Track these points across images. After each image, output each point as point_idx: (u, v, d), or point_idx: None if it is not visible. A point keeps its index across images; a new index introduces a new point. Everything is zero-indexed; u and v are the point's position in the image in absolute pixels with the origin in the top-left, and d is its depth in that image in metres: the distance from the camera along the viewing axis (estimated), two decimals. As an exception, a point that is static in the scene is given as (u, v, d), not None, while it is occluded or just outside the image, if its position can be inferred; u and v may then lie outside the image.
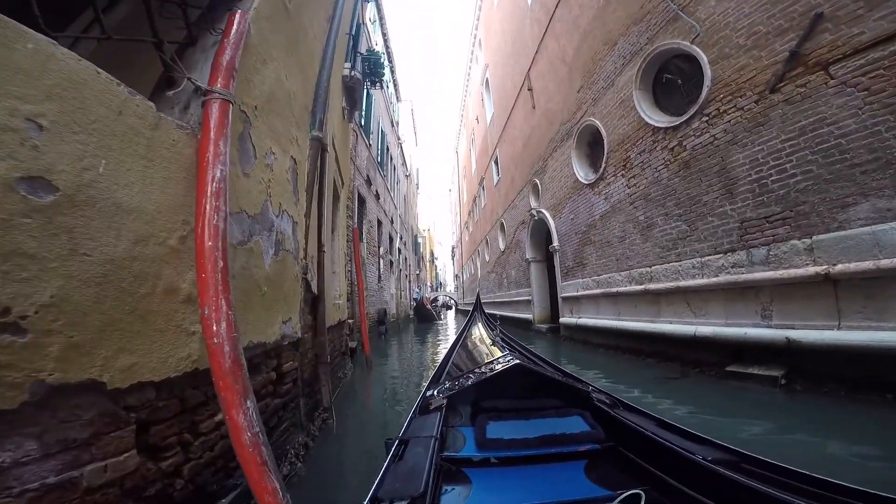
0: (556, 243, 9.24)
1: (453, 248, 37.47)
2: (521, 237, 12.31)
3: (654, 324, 5.42)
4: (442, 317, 22.73)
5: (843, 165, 3.23)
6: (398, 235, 18.92)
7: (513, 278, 13.85)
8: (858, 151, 3.15)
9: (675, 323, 5.00)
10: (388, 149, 16.14)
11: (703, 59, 4.57)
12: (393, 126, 17.83)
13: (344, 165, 5.90)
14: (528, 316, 11.30)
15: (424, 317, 18.39)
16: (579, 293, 7.87)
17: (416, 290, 23.66)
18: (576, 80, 7.89)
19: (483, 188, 19.69)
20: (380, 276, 13.35)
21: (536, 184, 10.68)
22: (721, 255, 4.33)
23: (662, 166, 5.31)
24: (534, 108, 10.59)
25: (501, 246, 15.65)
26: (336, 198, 5.80)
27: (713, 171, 4.42)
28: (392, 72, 16.99)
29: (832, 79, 3.33)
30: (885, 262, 2.89)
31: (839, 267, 3.18)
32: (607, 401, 1.86)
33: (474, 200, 22.82)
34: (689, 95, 4.95)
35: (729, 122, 4.24)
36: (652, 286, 5.49)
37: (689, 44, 4.79)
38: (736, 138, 4.14)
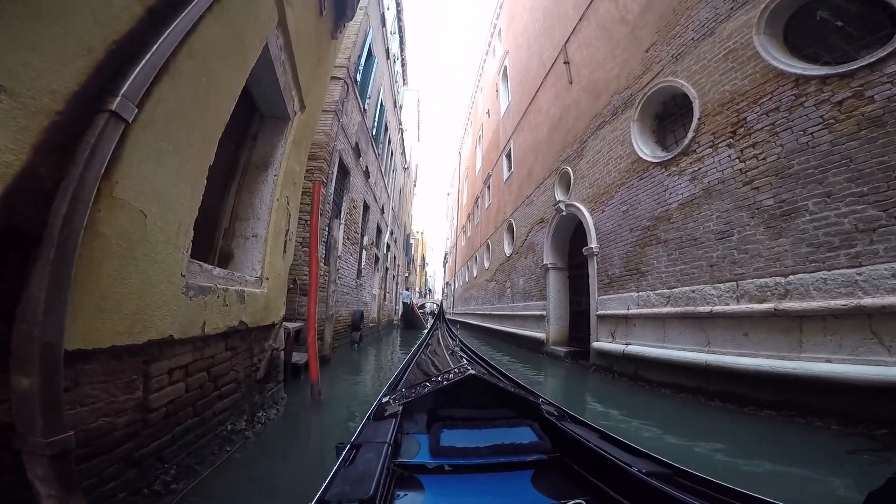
0: (593, 244, 7.52)
1: (446, 254, 35.95)
2: (537, 239, 10.72)
3: (790, 361, 3.62)
4: (428, 324, 21.44)
5: None
6: (388, 229, 17.00)
7: (520, 288, 12.16)
8: None
9: (842, 361, 3.24)
10: (386, 127, 14.31)
11: None
12: (396, 108, 16.12)
13: (307, 78, 4.05)
14: (539, 335, 9.58)
15: (412, 323, 16.92)
16: (631, 311, 6.11)
17: (406, 292, 21.88)
18: (643, 39, 6.51)
19: (488, 187, 18.38)
20: (360, 271, 11.38)
21: (567, 172, 9.10)
22: None
23: (820, 127, 3.75)
24: (570, 82, 9.16)
25: (507, 250, 14.09)
26: (280, 117, 3.92)
27: None
28: (402, 48, 15.36)
29: None
30: None
31: None
32: (555, 413, 2.01)
33: (476, 202, 21.44)
34: (863, 39, 3.72)
35: None
36: (789, 305, 3.72)
37: None
38: None
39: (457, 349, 3.59)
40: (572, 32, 9.32)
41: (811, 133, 3.81)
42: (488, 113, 18.97)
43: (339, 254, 8.68)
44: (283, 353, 4.14)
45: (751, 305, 4.11)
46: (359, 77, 9.37)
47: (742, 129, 4.52)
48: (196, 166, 2.15)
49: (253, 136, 3.94)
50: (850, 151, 3.48)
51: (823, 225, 3.59)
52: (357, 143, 9.61)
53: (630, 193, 6.51)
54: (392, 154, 16.85)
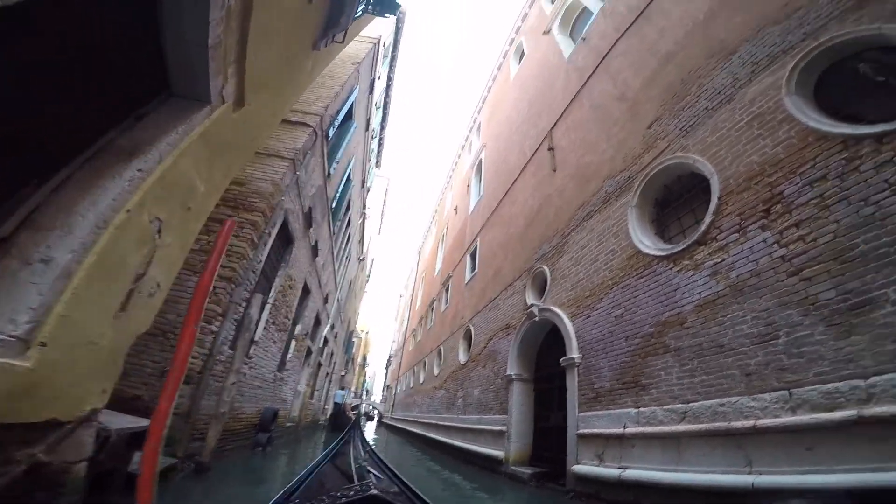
0: (574, 354, 6.49)
1: (390, 357, 33.31)
2: (500, 346, 9.62)
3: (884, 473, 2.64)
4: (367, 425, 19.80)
5: None
6: (329, 322, 15.07)
7: (474, 399, 10.63)
8: None
9: None
10: (349, 205, 13.47)
11: None
12: (363, 188, 15.59)
13: (261, 67, 2.99)
14: (497, 452, 8.10)
15: (341, 425, 14.74)
16: (628, 430, 4.97)
17: (340, 392, 19.59)
18: (645, 114, 6.38)
19: (447, 290, 17.58)
20: (283, 363, 9.31)
21: (543, 272, 8.38)
22: None
23: (888, 193, 3.15)
24: (554, 170, 8.92)
25: (462, 358, 12.75)
26: (191, 97, 2.74)
27: None
28: (382, 126, 15.50)
29: None
30: None
31: None
32: None
33: (431, 305, 20.31)
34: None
35: None
36: (879, 410, 2.85)
37: None
38: None
39: (364, 463, 3.61)
40: (560, 117, 9.46)
41: (877, 202, 3.18)
42: (456, 210, 19.09)
43: (254, 338, 6.88)
44: (86, 464, 2.30)
45: (816, 415, 3.25)
46: (331, 134, 8.63)
47: (779, 207, 3.88)
48: None
49: (139, 116, 2.63)
50: None
51: None
52: (311, 210, 8.45)
53: (626, 294, 5.71)
54: (349, 239, 15.81)
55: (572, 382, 6.33)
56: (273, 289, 7.69)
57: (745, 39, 4.94)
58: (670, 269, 4.98)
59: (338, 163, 9.81)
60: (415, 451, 11.97)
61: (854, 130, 3.45)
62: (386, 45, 11.94)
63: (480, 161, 16.83)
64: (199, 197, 3.07)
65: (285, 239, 7.77)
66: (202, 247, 5.10)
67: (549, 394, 7.70)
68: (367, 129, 12.53)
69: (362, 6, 5.52)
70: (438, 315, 18.28)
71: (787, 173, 3.87)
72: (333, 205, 10.78)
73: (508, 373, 8.53)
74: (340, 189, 11.32)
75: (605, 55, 8.16)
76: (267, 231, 6.39)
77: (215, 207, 5.78)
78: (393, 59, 13.55)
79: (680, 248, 4.89)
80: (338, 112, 8.74)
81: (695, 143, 5.14)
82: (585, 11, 10.76)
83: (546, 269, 8.18)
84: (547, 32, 12.23)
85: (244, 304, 6.07)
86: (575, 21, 11.56)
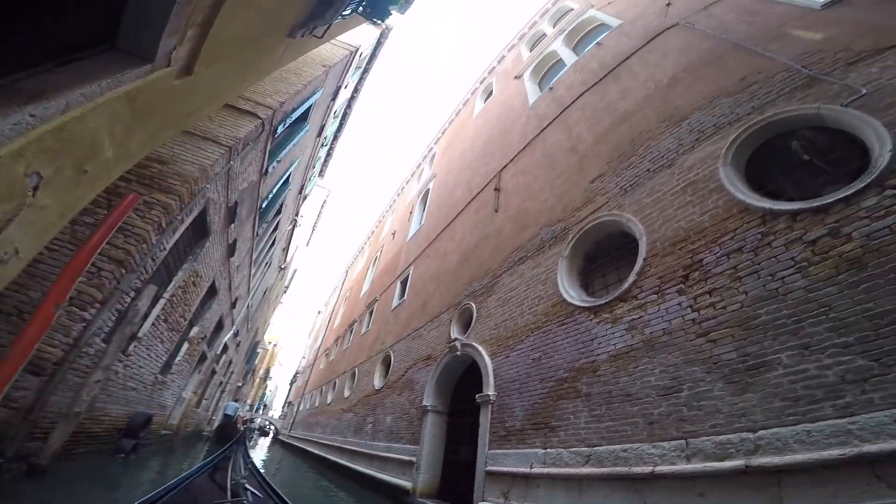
0: (490, 391, 6.50)
1: (297, 373, 31.10)
2: (419, 377, 9.39)
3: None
4: (250, 442, 17.59)
5: None
6: (233, 328, 13.79)
7: (386, 426, 10.24)
8: None
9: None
10: (280, 209, 12.73)
11: (874, 123, 3.67)
12: (300, 194, 14.87)
13: (223, 39, 2.69)
14: (404, 483, 7.84)
15: (226, 438, 13.45)
16: (534, 470, 5.04)
17: (233, 403, 18.06)
18: (591, 169, 6.76)
19: (371, 313, 16.98)
20: (169, 366, 8.26)
21: (470, 308, 8.42)
22: None
23: (792, 271, 3.59)
24: (496, 210, 9.11)
25: (377, 383, 12.27)
26: (137, 53, 2.47)
27: None
28: (335, 136, 15.10)
29: None
30: None
31: None
32: None
33: (351, 326, 19.47)
34: (829, 174, 3.99)
35: None
36: (764, 460, 3.19)
37: (835, 107, 4.01)
38: None
39: (243, 479, 3.50)
40: (512, 160, 9.77)
41: (781, 278, 3.57)
42: (394, 235, 18.89)
43: (137, 334, 6.05)
44: None
45: (709, 464, 3.51)
46: (279, 130, 8.15)
47: (697, 273, 4.22)
48: None
49: (62, 62, 2.22)
50: (828, 298, 3.27)
51: (802, 378, 3.25)
52: (236, 205, 7.80)
53: (546, 339, 5.89)
54: (273, 244, 14.86)
55: (485, 419, 6.30)
56: (173, 283, 6.86)
57: (698, 108, 5.45)
58: (591, 319, 5.19)
59: (279, 162, 9.27)
60: (313, 473, 11.41)
61: (773, 206, 3.84)
62: (362, 56, 11.85)
63: (428, 190, 16.95)
64: (102, 161, 2.61)
65: (200, 230, 7.04)
66: (98, 221, 4.41)
67: (461, 428, 7.65)
68: (319, 135, 12.14)
69: (353, 5, 5.36)
70: (357, 337, 17.59)
71: (709, 242, 4.23)
72: (264, 205, 10.09)
73: (425, 403, 8.30)
74: (275, 190, 10.67)
75: (567, 107, 8.66)
76: (179, 217, 5.72)
77: (125, 182, 5.15)
78: (365, 71, 13.51)
79: (602, 302, 5.13)
80: (293, 110, 8.36)
81: (631, 202, 5.47)
82: (559, 63, 11.51)
83: (473, 306, 8.21)
84: (518, 77, 12.91)
85: (132, 293, 5.30)
86: (547, 71, 12.31)
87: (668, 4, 7.78)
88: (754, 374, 3.50)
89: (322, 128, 12.02)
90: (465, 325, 8.39)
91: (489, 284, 7.99)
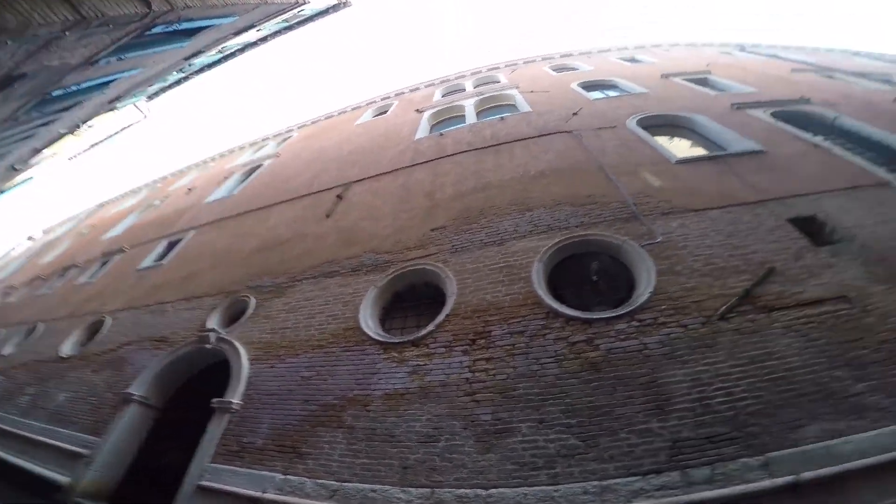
0: (235, 399, 5.65)
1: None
2: (137, 358, 7.59)
3: None
4: None
5: (791, 394, 3.69)
6: None
7: (54, 405, 7.76)
8: (804, 383, 3.73)
9: None
10: (71, 107, 9.49)
11: (651, 266, 4.88)
12: (109, 104, 11.46)
13: None
14: (60, 477, 6.06)
15: None
16: (267, 495, 4.55)
17: None
18: (437, 218, 7.12)
19: (105, 263, 13.60)
20: None
21: (246, 301, 7.45)
22: (639, 477, 3.62)
23: (552, 361, 4.45)
24: (328, 216, 8.70)
25: (67, 349, 9.31)
26: None
27: (638, 383, 4.07)
28: (201, 69, 12.50)
29: (777, 322, 4.13)
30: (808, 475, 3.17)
31: (806, 475, 3.22)
32: None
33: (67, 268, 14.94)
34: (604, 295, 5.10)
35: (668, 335, 4.30)
36: None
37: (635, 244, 5.18)
38: (675, 353, 4.16)
39: None
40: (371, 177, 9.74)
41: (543, 363, 4.37)
42: (189, 190, 16.05)
43: None
44: None
45: None
46: (155, 30, 6.38)
47: (483, 341, 4.78)
48: None
49: None
50: (568, 387, 4.12)
51: (531, 447, 3.89)
52: (22, 78, 5.63)
53: (325, 360, 5.60)
54: (28, 138, 10.67)
55: (217, 427, 5.39)
56: None
57: (544, 206, 6.28)
58: (379, 354, 5.20)
59: (119, 60, 7.18)
60: None
61: (558, 307, 4.79)
62: (299, 12, 10.40)
63: (261, 165, 15.52)
64: None
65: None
66: None
67: (174, 429, 6.39)
68: (187, 58, 9.92)
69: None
70: (68, 285, 13.36)
71: (502, 319, 4.88)
72: (57, 93, 7.41)
73: (132, 391, 6.59)
74: (84, 86, 8.02)
75: (445, 156, 9.20)
76: None
77: None
78: (290, 28, 11.94)
79: (396, 341, 5.25)
80: (192, 20, 6.65)
81: (456, 262, 5.91)
82: (460, 118, 12.27)
83: (253, 301, 7.24)
84: (419, 111, 13.48)
85: None
86: (447, 119, 12.95)
87: (574, 114, 9.32)
88: (499, 436, 4.02)
89: (196, 53, 9.98)
90: (232, 318, 7.28)
91: (283, 285, 7.26)
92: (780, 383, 3.75)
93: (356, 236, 7.63)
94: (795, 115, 8.39)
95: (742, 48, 16.63)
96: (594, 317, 4.56)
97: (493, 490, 3.77)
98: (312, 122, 19.28)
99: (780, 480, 3.21)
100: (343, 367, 5.29)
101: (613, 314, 4.52)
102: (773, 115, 8.32)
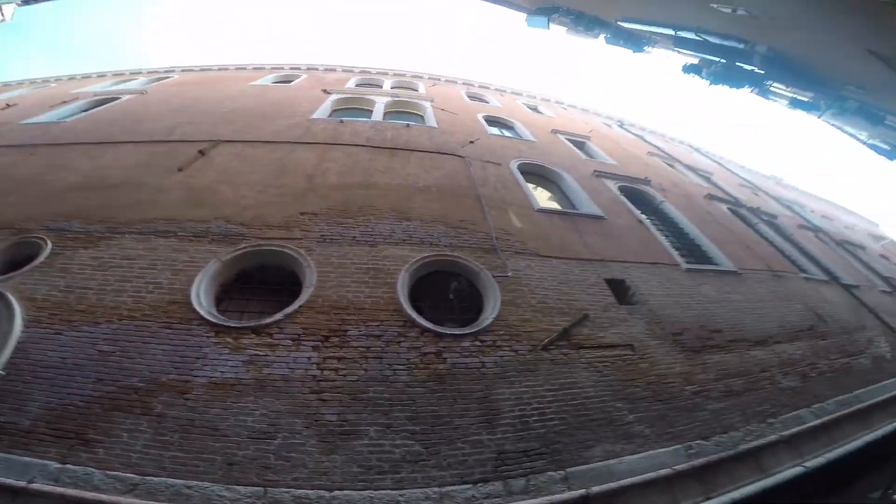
0: None
1: None
2: None
3: None
4: None
5: (585, 418, 4.45)
6: None
7: None
8: (595, 410, 4.53)
9: None
10: None
11: (498, 296, 5.48)
12: None
13: None
14: None
15: None
16: (33, 486, 3.65)
17: None
18: (311, 203, 6.74)
19: None
20: None
21: (40, 246, 5.92)
22: (470, 485, 3.93)
23: (404, 368, 4.61)
24: (180, 170, 7.55)
25: None
26: None
27: (474, 397, 4.47)
28: None
29: (582, 358, 5.02)
30: (595, 489, 3.80)
31: (594, 489, 3.80)
32: None
33: None
34: (456, 313, 5.53)
35: (502, 357, 4.83)
36: None
37: (489, 273, 5.78)
38: (505, 374, 4.69)
39: None
40: (248, 142, 8.96)
41: (395, 369, 4.51)
42: (8, 105, 13.02)
43: None
44: None
45: None
46: None
47: (338, 339, 4.68)
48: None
49: None
50: (416, 395, 4.32)
51: (378, 451, 3.96)
52: None
53: (136, 335, 4.73)
54: None
55: None
56: None
57: (422, 219, 6.54)
58: (208, 337, 4.60)
59: None
60: None
61: (416, 318, 4.96)
62: None
63: (118, 98, 13.24)
64: None
65: None
66: None
67: None
68: None
69: None
70: None
71: (360, 320, 4.85)
72: None
73: None
74: None
75: (337, 143, 8.95)
76: None
77: None
78: None
79: (232, 325, 4.73)
80: None
81: (322, 253, 5.65)
82: (367, 112, 12.14)
83: (49, 245, 5.71)
84: (326, 92, 13.07)
85: None
86: (352, 108, 12.55)
87: (471, 142, 9.92)
88: (346, 438, 3.99)
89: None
90: (11, 265, 5.61)
91: (97, 234, 5.91)
92: (579, 408, 4.50)
93: (208, 199, 6.73)
94: (635, 193, 10.24)
95: (621, 124, 19.31)
96: (446, 332, 4.90)
97: (338, 492, 3.70)
98: (201, 70, 17.41)
99: (575, 493, 3.77)
100: (159, 345, 4.53)
101: (462, 332, 4.95)
102: (620, 188, 10.03)
